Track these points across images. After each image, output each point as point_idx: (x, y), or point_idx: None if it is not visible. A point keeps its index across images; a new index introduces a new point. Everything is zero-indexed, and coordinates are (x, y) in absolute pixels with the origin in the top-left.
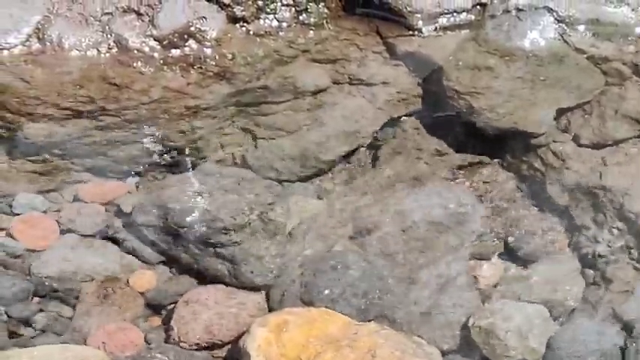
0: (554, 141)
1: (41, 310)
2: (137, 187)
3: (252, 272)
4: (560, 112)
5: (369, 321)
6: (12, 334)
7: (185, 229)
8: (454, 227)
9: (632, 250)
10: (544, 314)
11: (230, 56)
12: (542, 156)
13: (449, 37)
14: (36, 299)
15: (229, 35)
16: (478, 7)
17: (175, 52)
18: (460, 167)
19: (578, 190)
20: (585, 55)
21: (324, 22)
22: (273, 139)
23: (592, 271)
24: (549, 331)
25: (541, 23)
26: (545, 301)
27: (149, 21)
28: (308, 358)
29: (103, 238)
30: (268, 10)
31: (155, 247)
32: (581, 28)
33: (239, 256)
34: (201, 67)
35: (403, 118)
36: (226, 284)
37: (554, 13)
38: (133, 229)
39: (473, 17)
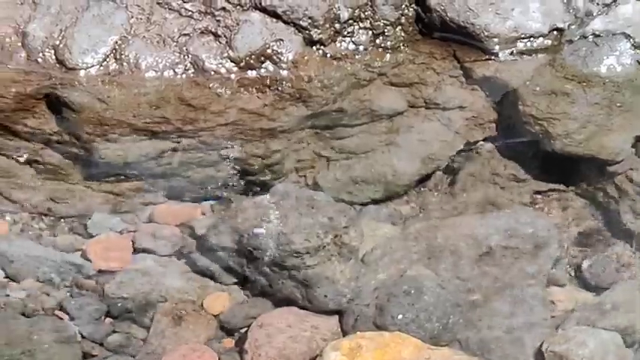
0: (630, 169)
1: (114, 331)
2: (212, 209)
3: (325, 296)
4: (638, 139)
5: (442, 346)
6: (85, 355)
7: (259, 251)
8: (530, 253)
9: None
10: (618, 341)
11: (306, 79)
12: (618, 183)
13: (525, 62)
14: (109, 320)
15: (306, 58)
16: (555, 32)
17: (252, 74)
18: (536, 193)
19: None
20: None
21: (401, 45)
22: (348, 161)
23: None
24: (624, 358)
25: (618, 49)
26: (619, 328)
27: (226, 42)
28: None
29: (178, 260)
30: (345, 33)
31: (229, 269)
32: None
33: (313, 280)
34: (277, 89)
35: (479, 142)
36: (300, 307)
37: (632, 40)
38: (207, 251)
39: (549, 42)
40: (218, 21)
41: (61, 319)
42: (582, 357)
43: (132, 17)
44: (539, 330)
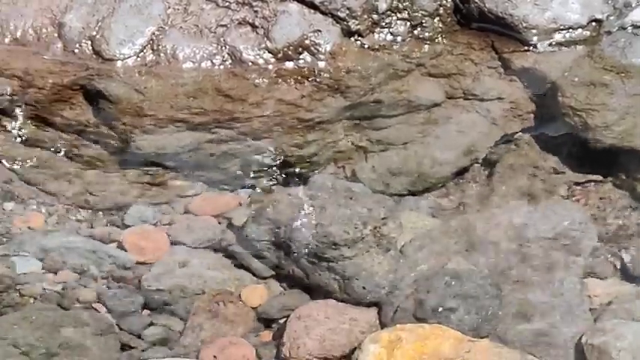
0: None
1: (152, 324)
2: (249, 200)
3: (364, 288)
4: None
5: (482, 338)
6: (124, 347)
7: (297, 243)
8: (568, 245)
9: None
10: None
11: (344, 70)
12: None
13: (564, 54)
14: (146, 312)
15: (344, 48)
16: (593, 23)
17: (289, 65)
18: (575, 184)
19: None
20: None
21: (439, 36)
22: (385, 153)
23: None
24: None
25: None
26: None
27: (264, 33)
28: None
29: (215, 252)
30: (383, 24)
31: (267, 261)
32: None
33: (351, 272)
34: (315, 80)
35: (517, 134)
36: (338, 300)
37: None
38: (245, 243)
39: (588, 33)
40: (255, 12)
41: (98, 311)
42: (620, 349)
43: (169, 8)
44: (578, 322)
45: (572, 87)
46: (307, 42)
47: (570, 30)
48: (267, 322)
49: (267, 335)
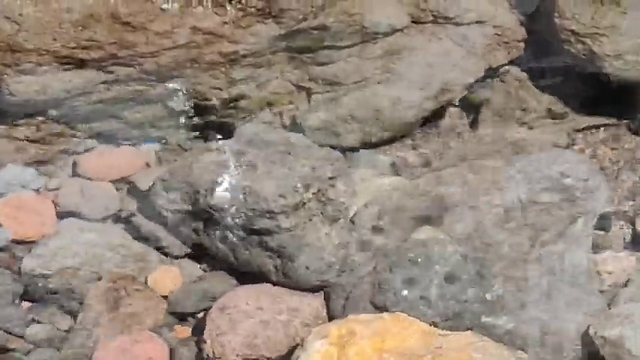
0: None
1: (35, 320)
2: (158, 158)
3: (307, 268)
4: None
5: (467, 330)
6: (1, 350)
7: (220, 212)
8: (570, 208)
9: None
10: None
11: None
12: None
13: None
14: (27, 304)
15: None
16: None
17: None
18: (577, 131)
19: None
20: None
21: None
22: (334, 94)
23: None
24: None
25: None
26: None
27: None
28: None
29: (114, 225)
30: None
31: (181, 235)
32: None
33: (290, 247)
34: (240, 2)
35: (504, 67)
36: (274, 284)
37: None
38: (152, 213)
39: None
40: None
41: None
42: None
43: None
44: (585, 309)
45: (574, 5)
46: None
47: None
48: (183, 314)
49: (184, 331)
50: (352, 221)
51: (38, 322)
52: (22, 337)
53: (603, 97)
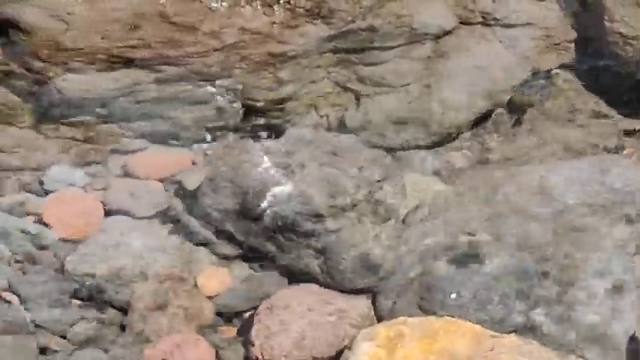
0: None
1: (81, 318)
2: (205, 158)
3: (354, 269)
4: None
5: (509, 333)
6: (43, 350)
7: (268, 213)
8: (619, 212)
9: None
10: None
11: None
12: None
13: None
14: (74, 303)
15: None
16: None
17: None
18: (626, 134)
19: None
20: None
21: None
22: (382, 96)
23: None
24: None
25: None
26: None
27: None
28: None
29: (162, 225)
30: None
31: (229, 235)
32: None
33: (337, 249)
34: (289, 3)
35: (553, 70)
36: (321, 285)
37: None
38: (201, 213)
39: None
40: None
41: (9, 302)
42: None
43: None
44: (634, 313)
45: (623, 7)
46: None
47: None
48: (230, 314)
49: (230, 331)
50: (402, 222)
51: (84, 322)
52: (67, 337)
53: None
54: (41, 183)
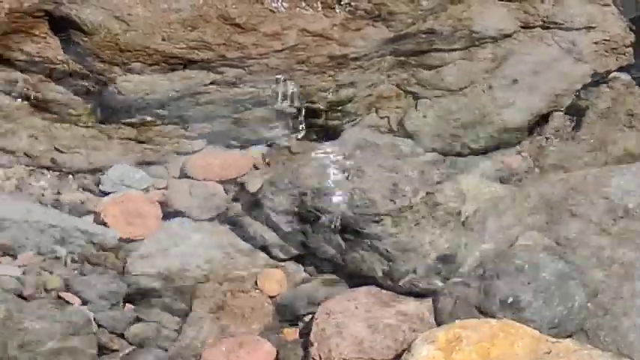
0: None
1: (139, 319)
2: (265, 160)
3: (414, 272)
4: None
5: (567, 337)
6: (103, 350)
7: (327, 214)
8: None
9: None
10: None
11: None
12: None
13: None
14: (131, 305)
15: None
16: None
17: None
18: None
19: None
20: None
21: None
22: (442, 99)
23: None
24: None
25: None
26: None
27: None
28: None
29: (221, 226)
30: None
31: (289, 237)
32: None
33: (397, 251)
34: (350, 5)
35: (613, 73)
36: (381, 287)
37: None
38: (261, 215)
39: None
40: None
41: (70, 303)
42: None
43: None
44: None
45: None
46: None
47: None
48: (290, 316)
49: (290, 333)
50: (462, 226)
51: (143, 323)
52: (126, 337)
53: None
54: (101, 183)
